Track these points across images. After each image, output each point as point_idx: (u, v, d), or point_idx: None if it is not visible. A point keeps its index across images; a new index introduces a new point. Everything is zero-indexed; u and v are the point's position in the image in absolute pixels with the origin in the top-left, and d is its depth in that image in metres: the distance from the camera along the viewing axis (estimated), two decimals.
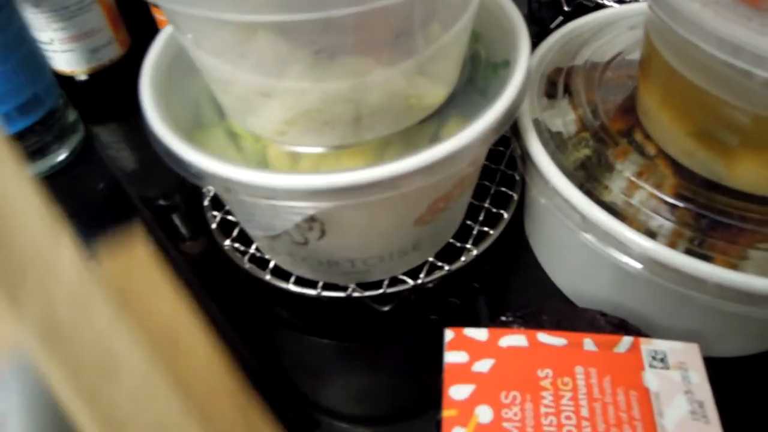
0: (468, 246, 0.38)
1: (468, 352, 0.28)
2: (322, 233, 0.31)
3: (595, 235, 0.31)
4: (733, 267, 0.31)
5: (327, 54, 0.25)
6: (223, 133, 0.32)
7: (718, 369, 0.28)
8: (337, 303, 0.38)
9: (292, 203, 0.27)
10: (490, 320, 0.33)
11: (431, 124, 0.32)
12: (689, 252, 0.32)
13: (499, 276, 0.41)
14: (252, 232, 0.37)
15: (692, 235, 0.32)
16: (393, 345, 0.38)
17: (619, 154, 0.36)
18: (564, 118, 0.38)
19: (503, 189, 0.41)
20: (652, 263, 0.29)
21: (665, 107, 0.32)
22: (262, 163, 0.31)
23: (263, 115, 0.28)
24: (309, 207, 0.27)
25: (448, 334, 0.29)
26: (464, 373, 0.27)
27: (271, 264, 0.37)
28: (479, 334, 0.29)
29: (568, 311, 0.34)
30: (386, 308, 0.38)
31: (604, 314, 0.33)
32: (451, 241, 0.38)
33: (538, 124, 0.37)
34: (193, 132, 0.31)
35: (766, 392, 0.35)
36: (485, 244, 0.38)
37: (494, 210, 0.40)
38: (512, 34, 0.32)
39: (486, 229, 0.39)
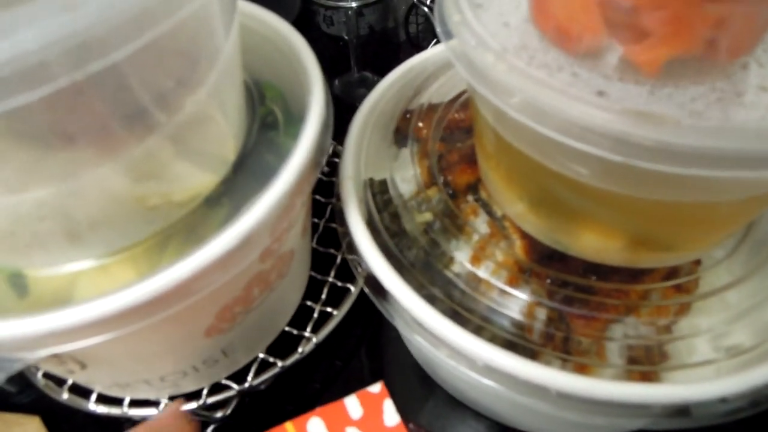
0: (306, 334, 0.32)
1: None
2: (82, 365, 0.24)
3: (426, 339, 0.25)
4: (597, 348, 0.27)
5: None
6: None
7: None
8: None
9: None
10: None
11: (223, 205, 0.26)
12: (547, 332, 0.27)
13: (352, 361, 0.36)
14: None
15: (548, 311, 0.27)
16: None
17: (468, 213, 0.31)
18: (407, 173, 0.32)
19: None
20: (487, 370, 0.24)
21: (496, 168, 0.27)
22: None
23: None
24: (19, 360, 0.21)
25: None
26: None
27: (69, 381, 0.31)
28: None
29: None
30: (218, 415, 0.32)
31: None
32: (288, 329, 0.32)
33: (376, 186, 0.31)
34: None
35: None
36: (327, 329, 0.32)
37: (340, 284, 0.34)
38: (308, 84, 0.27)
39: (330, 309, 0.33)
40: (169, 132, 0.21)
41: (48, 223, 0.20)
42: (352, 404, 0.25)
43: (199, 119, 0.23)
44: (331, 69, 0.61)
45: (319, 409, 0.26)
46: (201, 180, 0.23)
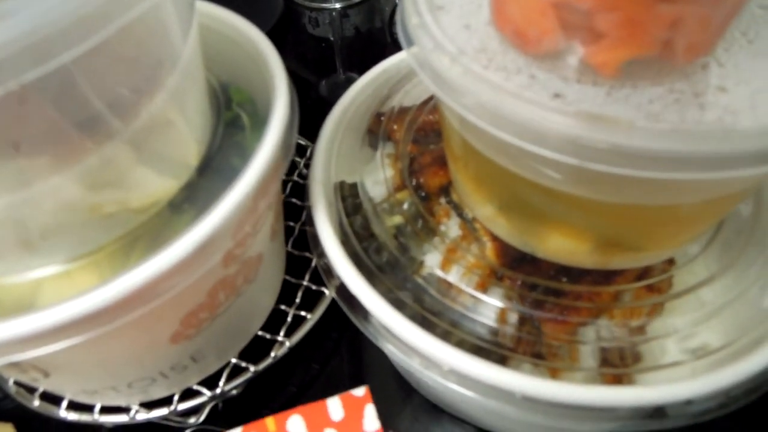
0: (279, 338, 0.32)
1: None
2: (45, 374, 0.24)
3: (393, 345, 0.25)
4: (570, 350, 0.27)
5: None
6: None
7: None
8: (130, 428, 0.32)
9: None
10: None
11: (186, 210, 0.26)
12: (518, 336, 0.27)
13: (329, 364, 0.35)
14: None
15: (520, 315, 0.27)
16: None
17: (440, 215, 0.30)
18: (378, 176, 0.32)
19: None
20: (453, 375, 0.24)
21: (464, 170, 0.27)
22: None
23: None
24: None
25: None
26: None
27: (41, 388, 0.31)
28: None
29: None
30: (192, 421, 0.32)
31: None
32: (260, 333, 0.32)
33: (346, 190, 0.31)
34: None
35: None
36: (300, 333, 0.32)
37: (314, 287, 0.34)
38: (273, 86, 0.26)
39: (304, 313, 0.33)
40: (126, 138, 0.21)
41: (1, 232, 0.20)
42: (334, 405, 0.25)
43: (159, 125, 0.22)
44: (317, 70, 0.61)
45: (300, 408, 0.25)
46: (161, 186, 0.23)
